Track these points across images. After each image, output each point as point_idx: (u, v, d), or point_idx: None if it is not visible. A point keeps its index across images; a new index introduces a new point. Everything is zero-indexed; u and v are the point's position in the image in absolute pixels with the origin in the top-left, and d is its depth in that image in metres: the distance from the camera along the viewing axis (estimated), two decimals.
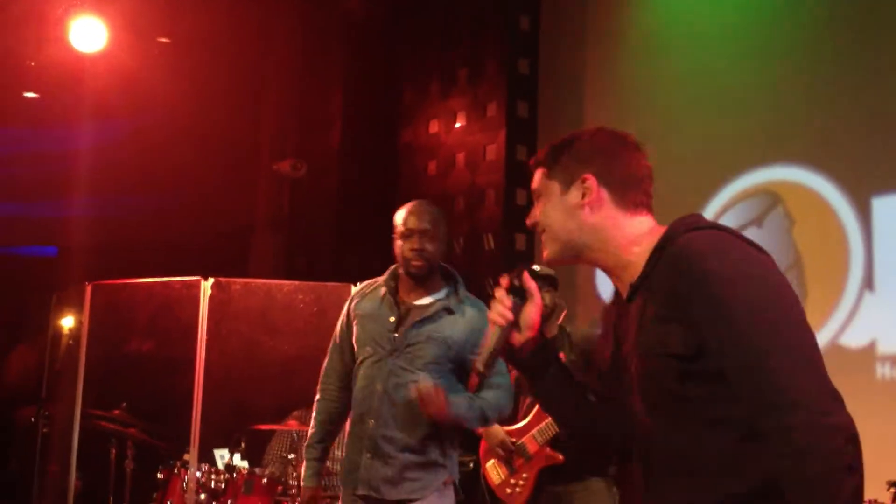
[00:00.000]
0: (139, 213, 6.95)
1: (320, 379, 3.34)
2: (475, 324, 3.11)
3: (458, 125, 7.05)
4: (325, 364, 3.35)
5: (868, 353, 4.78)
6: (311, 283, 5.16)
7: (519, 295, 1.80)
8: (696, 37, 5.86)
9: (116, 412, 5.25)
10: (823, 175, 5.06)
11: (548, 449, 3.84)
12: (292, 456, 4.81)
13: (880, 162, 4.85)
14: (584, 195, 1.74)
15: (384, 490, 3.07)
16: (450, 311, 3.16)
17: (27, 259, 8.29)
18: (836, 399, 1.47)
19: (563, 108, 6.62)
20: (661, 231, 1.69)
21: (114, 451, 5.35)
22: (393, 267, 3.28)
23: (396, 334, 3.13)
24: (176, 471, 4.74)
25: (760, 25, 5.56)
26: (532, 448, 3.87)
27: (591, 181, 1.74)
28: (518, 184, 6.64)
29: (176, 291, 5.07)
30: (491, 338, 1.78)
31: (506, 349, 1.80)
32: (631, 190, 1.75)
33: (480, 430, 3.93)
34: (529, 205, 6.82)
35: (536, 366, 1.82)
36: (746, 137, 5.39)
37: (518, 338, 1.80)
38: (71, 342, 6.24)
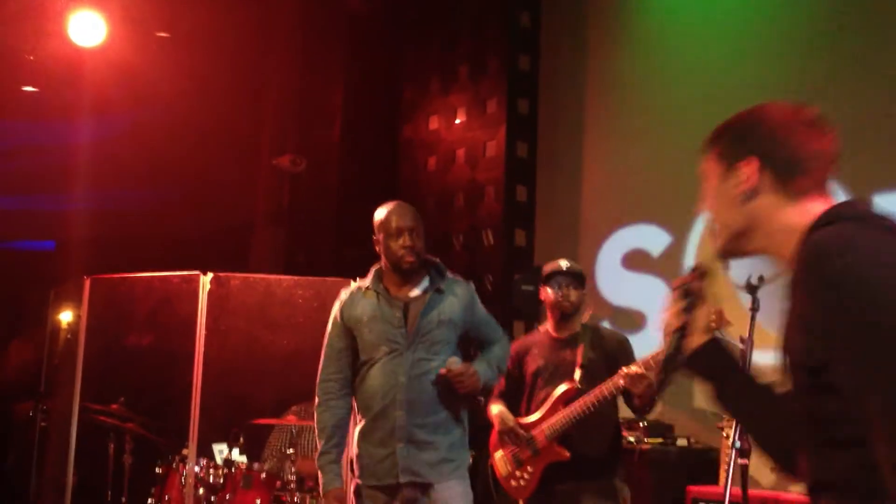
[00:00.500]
0: (138, 207, 6.95)
1: (319, 387, 3.44)
2: (465, 299, 3.43)
3: (458, 121, 7.04)
4: (321, 372, 3.46)
5: None
6: (311, 278, 5.15)
7: (688, 297, 1.70)
8: (696, 35, 5.86)
9: (115, 407, 5.25)
10: None
11: (556, 445, 3.83)
12: (291, 451, 4.80)
13: (881, 160, 4.85)
14: (743, 181, 1.61)
15: (427, 473, 3.27)
16: (440, 291, 3.38)
17: (25, 253, 8.28)
18: None
19: (564, 105, 6.61)
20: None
21: (112, 445, 5.35)
22: (376, 267, 3.45)
23: (407, 328, 3.31)
24: (174, 465, 4.74)
25: (758, 24, 5.56)
26: (541, 442, 3.86)
27: (752, 166, 1.60)
28: (518, 180, 6.64)
29: (175, 286, 5.06)
30: (664, 348, 1.70)
31: (679, 357, 1.68)
32: (798, 174, 1.58)
33: (493, 415, 3.99)
34: (529, 201, 6.87)
35: (717, 369, 1.68)
36: None
37: (693, 342, 1.68)
38: (69, 336, 6.25)
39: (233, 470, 4.66)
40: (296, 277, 5.21)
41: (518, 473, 3.94)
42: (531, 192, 6.67)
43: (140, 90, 6.56)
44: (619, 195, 6.18)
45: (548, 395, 3.88)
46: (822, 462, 1.43)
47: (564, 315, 3.95)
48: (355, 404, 3.44)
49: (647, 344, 3.63)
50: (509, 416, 3.93)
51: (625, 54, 6.31)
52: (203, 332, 4.77)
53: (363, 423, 3.37)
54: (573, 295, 3.92)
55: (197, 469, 4.67)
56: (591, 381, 3.79)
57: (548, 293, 3.96)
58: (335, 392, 3.40)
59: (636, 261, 5.97)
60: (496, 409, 3.99)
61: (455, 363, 3.27)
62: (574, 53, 6.59)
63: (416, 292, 3.39)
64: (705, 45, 5.78)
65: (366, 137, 7.38)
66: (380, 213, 3.43)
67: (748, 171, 1.60)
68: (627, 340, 4.01)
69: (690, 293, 1.70)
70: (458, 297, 3.41)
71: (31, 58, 6.32)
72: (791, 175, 1.58)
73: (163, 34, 6.60)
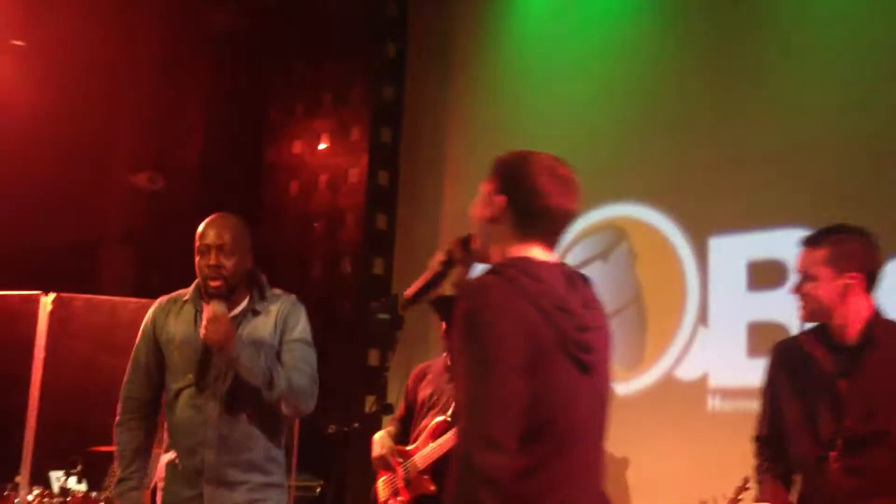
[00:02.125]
0: None
1: (121, 402, 3.11)
2: (281, 314, 3.07)
3: (321, 146, 7.04)
4: (124, 386, 3.13)
5: (700, 386, 5.03)
6: None
7: (448, 256, 2.18)
8: (553, 72, 6.04)
9: None
10: (665, 213, 5.31)
11: (424, 477, 3.80)
12: None
13: (718, 203, 5.13)
14: (494, 209, 2.02)
15: None
16: (255, 313, 3.06)
17: None
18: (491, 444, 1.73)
19: (427, 135, 6.71)
20: None
21: None
22: (196, 283, 3.13)
23: (216, 357, 2.97)
24: (6, 493, 4.55)
25: (609, 63, 5.76)
26: (412, 473, 3.84)
27: (501, 200, 2.01)
28: (378, 208, 6.69)
29: (14, 305, 4.86)
30: (425, 276, 2.16)
31: (432, 289, 2.16)
32: (529, 220, 2.00)
33: (374, 439, 3.94)
34: (389, 230, 6.90)
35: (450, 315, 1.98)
36: (596, 173, 5.59)
37: (443, 289, 2.13)
38: None
39: (68, 499, 4.50)
40: (143, 300, 5.05)
41: (391, 501, 3.93)
42: (391, 221, 6.73)
43: None
44: None
45: (426, 425, 3.87)
46: None
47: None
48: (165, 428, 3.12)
49: None
50: (385, 442, 3.90)
51: (486, 90, 6.47)
52: (41, 354, 4.61)
53: (171, 455, 3.05)
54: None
55: (30, 498, 4.49)
56: None
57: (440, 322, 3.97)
58: (135, 412, 3.08)
59: None
60: (379, 433, 3.97)
61: (219, 310, 2.91)
62: (438, 85, 6.70)
63: (234, 313, 3.03)
64: (561, 84, 5.98)
65: (228, 158, 7.28)
66: (200, 226, 3.14)
67: (499, 203, 2.00)
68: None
69: (451, 253, 2.16)
70: (272, 314, 3.06)
71: None
72: (523, 219, 1.98)
73: (18, 42, 6.36)
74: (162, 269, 7.04)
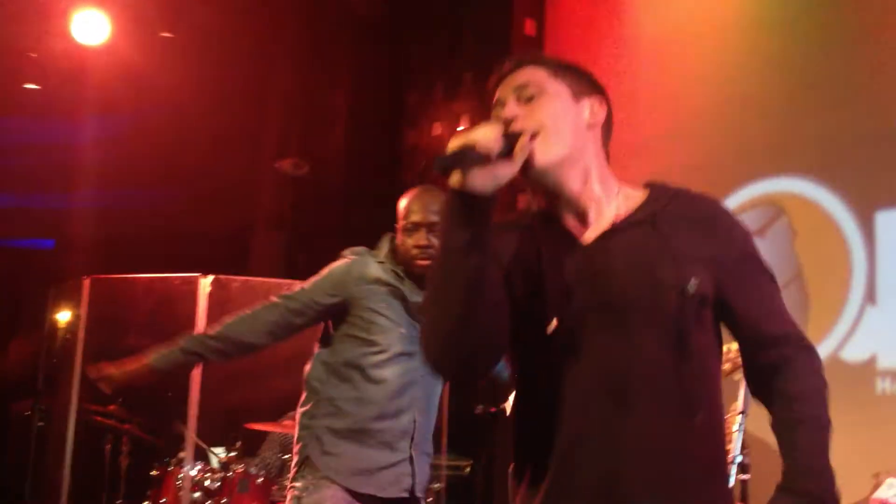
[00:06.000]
0: (139, 207, 6.92)
1: (271, 303, 2.99)
2: None
3: (461, 128, 7.02)
4: (285, 296, 3.00)
5: (869, 368, 4.76)
6: None
7: (508, 144, 1.52)
8: (702, 42, 5.83)
9: (112, 407, 5.22)
10: (827, 188, 5.04)
11: None
12: (287, 456, 4.79)
13: (885, 176, 4.83)
14: (591, 114, 1.68)
15: (420, 490, 2.94)
16: None
17: (25, 251, 8.25)
18: None
19: None
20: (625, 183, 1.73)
21: (109, 446, 5.31)
22: (391, 264, 2.95)
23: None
24: (171, 468, 4.72)
25: (763, 34, 5.53)
26: None
27: (601, 105, 1.70)
28: (518, 189, 6.61)
29: (175, 287, 5.04)
30: (467, 137, 1.47)
31: (474, 157, 1.46)
32: (609, 138, 1.73)
33: None
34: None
35: (484, 212, 1.49)
36: (750, 148, 5.37)
37: (492, 173, 1.47)
38: (67, 336, 6.21)
39: (229, 474, 4.64)
40: (297, 281, 5.17)
41: None
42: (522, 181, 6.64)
43: (143, 90, 6.55)
44: None
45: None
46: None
47: None
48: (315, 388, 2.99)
49: None
50: None
51: (632, 63, 6.28)
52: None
53: (347, 420, 2.90)
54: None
55: (193, 473, 4.64)
56: None
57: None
58: (261, 329, 2.97)
59: None
60: None
61: None
62: (579, 61, 6.56)
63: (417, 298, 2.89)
64: (709, 56, 5.75)
65: (369, 142, 7.37)
66: (402, 200, 2.94)
67: (597, 109, 1.69)
68: None
69: (512, 137, 1.53)
70: None
71: (34, 55, 6.31)
72: (609, 135, 1.73)
73: (167, 34, 6.59)
74: (310, 251, 7.19)
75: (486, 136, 1.48)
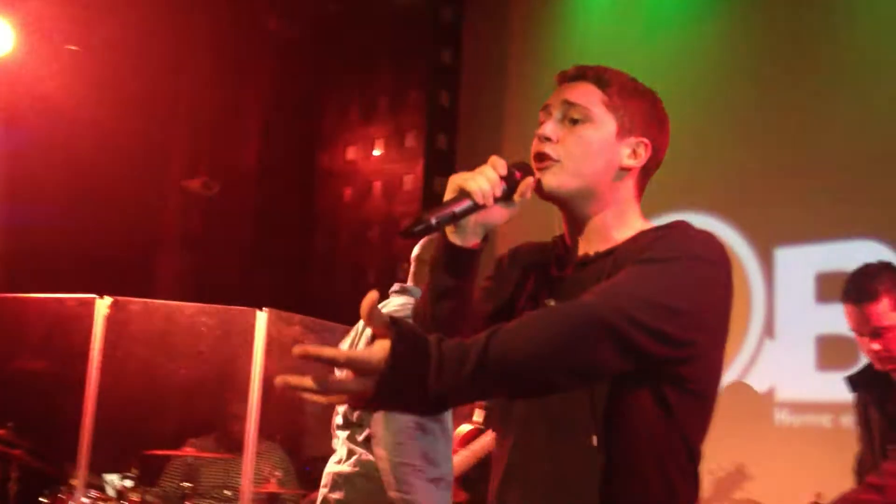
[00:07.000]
0: (38, 225, 6.67)
1: None
2: None
3: (376, 153, 7.00)
4: None
5: (767, 399, 4.87)
6: (216, 306, 4.98)
7: (509, 188, 1.54)
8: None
9: (2, 432, 5.00)
10: (730, 224, 5.17)
11: (454, 485, 3.76)
12: (186, 484, 4.65)
13: (783, 214, 4.98)
14: (630, 156, 1.61)
15: None
16: None
17: None
18: None
19: (483, 142, 6.64)
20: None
21: None
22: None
23: None
24: (62, 496, 4.54)
25: (671, 72, 5.64)
26: None
27: (645, 148, 1.62)
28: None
29: (70, 309, 4.86)
30: (455, 199, 1.48)
31: (460, 218, 1.49)
32: (649, 177, 1.67)
33: None
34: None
35: (470, 262, 1.53)
36: (660, 182, 5.46)
37: (486, 217, 1.51)
38: None
39: (124, 502, 4.49)
40: (200, 305, 5.05)
41: None
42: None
43: (48, 103, 6.34)
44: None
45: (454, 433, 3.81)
46: None
47: None
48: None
49: None
50: None
51: (547, 93, 6.35)
52: (97, 357, 4.59)
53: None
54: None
55: (85, 500, 4.48)
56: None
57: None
58: None
59: None
60: None
61: None
62: (494, 91, 6.63)
63: None
64: None
65: (282, 163, 7.28)
66: None
67: (642, 152, 1.62)
68: None
69: (513, 181, 1.56)
70: None
71: None
72: (649, 174, 1.66)
73: (73, 47, 6.41)
74: (217, 274, 7.04)
75: (483, 185, 1.49)
